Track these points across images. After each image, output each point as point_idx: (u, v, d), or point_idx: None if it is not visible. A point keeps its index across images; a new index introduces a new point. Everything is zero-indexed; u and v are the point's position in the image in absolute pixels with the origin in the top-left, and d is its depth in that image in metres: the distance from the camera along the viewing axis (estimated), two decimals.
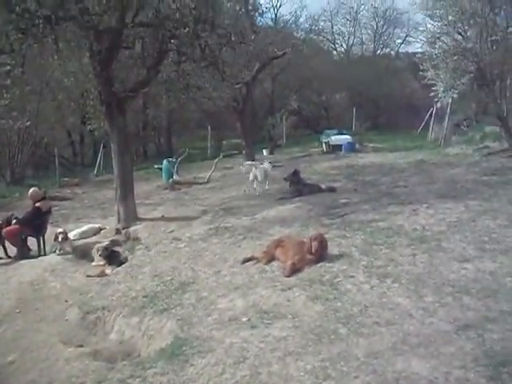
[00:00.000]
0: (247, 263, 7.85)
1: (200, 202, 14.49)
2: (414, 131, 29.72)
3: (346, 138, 24.10)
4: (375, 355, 4.59)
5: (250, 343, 5.23)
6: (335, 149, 23.84)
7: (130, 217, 12.65)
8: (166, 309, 6.71)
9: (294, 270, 6.99)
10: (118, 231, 12.24)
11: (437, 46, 23.81)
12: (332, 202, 11.37)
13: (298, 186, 12.94)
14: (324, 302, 5.85)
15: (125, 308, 7.16)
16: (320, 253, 7.21)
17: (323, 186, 13.27)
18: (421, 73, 26.21)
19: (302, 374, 4.50)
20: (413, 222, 8.74)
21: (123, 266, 9.43)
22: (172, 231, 11.28)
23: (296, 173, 13.17)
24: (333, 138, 24.44)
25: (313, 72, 38.34)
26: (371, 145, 25.60)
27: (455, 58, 21.73)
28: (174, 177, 19.91)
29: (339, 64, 46.80)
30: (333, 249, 7.74)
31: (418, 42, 48.14)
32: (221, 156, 21.70)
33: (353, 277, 6.49)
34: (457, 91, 24.54)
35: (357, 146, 24.08)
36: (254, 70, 22.98)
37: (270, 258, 7.70)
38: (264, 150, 27.96)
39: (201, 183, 19.25)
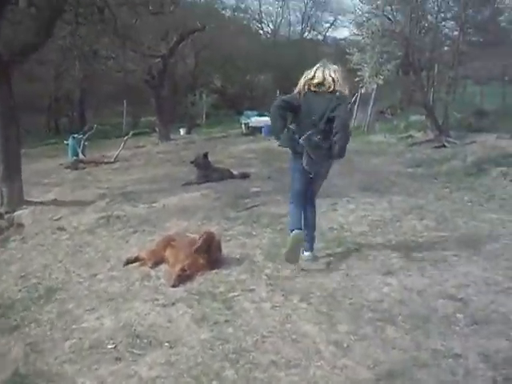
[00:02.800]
0: (130, 265, 6.46)
1: (101, 185, 12.98)
2: None
3: (266, 120, 22.85)
4: None
5: None
6: (255, 131, 22.62)
7: (15, 200, 10.96)
8: (17, 326, 5.24)
9: (182, 279, 5.68)
10: (0, 216, 10.54)
11: (364, 29, 23.17)
12: (242, 191, 10.15)
13: (207, 172, 11.60)
14: (212, 327, 4.56)
15: None
16: (213, 256, 5.96)
17: (235, 172, 12.02)
18: (347, 56, 25.61)
19: None
20: (330, 220, 7.61)
21: None
22: (59, 218, 9.73)
23: (204, 156, 11.79)
24: (253, 119, 23.22)
25: (238, 51, 37.02)
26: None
27: (383, 40, 21.03)
28: (80, 155, 18.17)
29: (265, 44, 45.65)
30: (234, 250, 6.52)
31: (345, 27, 47.98)
32: (130, 134, 19.99)
33: (253, 291, 5.24)
34: (382, 77, 23.97)
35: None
36: (171, 42, 21.45)
37: (158, 260, 6.34)
38: (181, 129, 26.53)
39: (107, 163, 17.61)
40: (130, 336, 4.61)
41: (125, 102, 31.49)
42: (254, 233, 7.20)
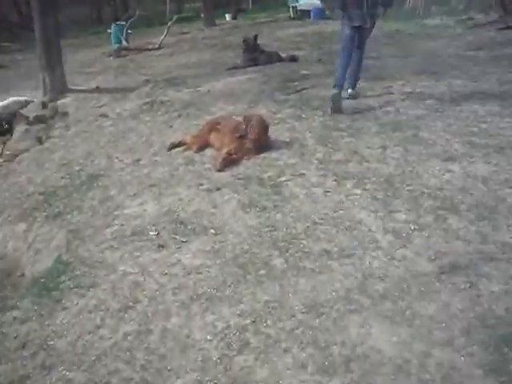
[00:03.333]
0: (174, 150, 6.20)
1: (144, 71, 12.62)
2: None
3: (315, 3, 21.70)
4: (319, 311, 3.11)
5: (149, 276, 3.72)
6: (304, 15, 21.50)
7: (58, 88, 10.79)
8: (60, 213, 5.11)
9: (229, 163, 5.40)
10: (44, 105, 10.36)
11: None
12: (291, 74, 9.62)
13: (254, 54, 11.03)
14: (259, 213, 4.30)
15: (14, 210, 5.55)
16: (259, 139, 5.61)
17: (284, 55, 11.42)
18: None
19: (208, 337, 3.02)
20: (384, 103, 7.11)
21: (33, 149, 7.72)
22: (103, 105, 9.54)
23: (252, 38, 11.17)
24: (301, 2, 21.98)
25: None
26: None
27: None
28: (123, 42, 17.68)
29: None
30: (283, 133, 6.18)
31: None
32: (174, 19, 19.26)
33: (303, 175, 4.93)
34: None
35: (327, 12, 21.77)
36: None
37: (203, 145, 6.07)
38: (226, 15, 25.48)
39: (151, 49, 17.11)
40: (174, 222, 4.40)
41: None
42: (304, 115, 6.80)
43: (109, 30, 19.14)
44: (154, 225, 4.43)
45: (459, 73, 8.87)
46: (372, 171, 4.83)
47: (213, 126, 6.12)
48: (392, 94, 7.58)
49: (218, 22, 22.97)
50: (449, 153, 5.13)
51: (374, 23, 7.00)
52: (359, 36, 6.91)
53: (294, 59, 11.18)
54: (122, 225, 4.53)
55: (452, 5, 19.17)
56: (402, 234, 3.75)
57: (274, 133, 6.10)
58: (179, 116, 7.64)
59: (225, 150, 5.51)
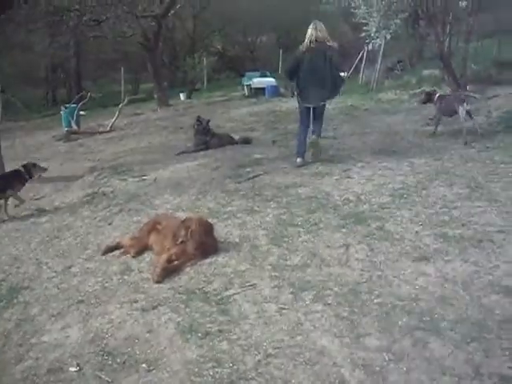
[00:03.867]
0: (110, 254, 5.45)
1: (92, 157, 12.03)
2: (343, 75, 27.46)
3: (269, 81, 21.61)
4: None
5: None
6: (258, 93, 21.34)
7: None
8: None
9: (169, 272, 4.65)
10: None
11: None
12: (243, 158, 9.08)
13: (205, 138, 10.49)
14: (201, 341, 3.54)
15: None
16: (202, 243, 4.92)
17: (236, 137, 10.92)
18: (352, 10, 24.18)
19: None
20: (344, 189, 6.55)
21: None
22: (42, 197, 8.81)
23: (202, 121, 10.67)
24: (255, 80, 21.88)
25: (238, 11, 35.37)
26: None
27: None
28: (72, 125, 17.09)
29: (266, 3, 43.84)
30: (233, 231, 5.51)
31: None
32: (125, 101, 18.80)
33: (254, 286, 4.21)
34: (390, 31, 22.62)
35: (281, 90, 21.64)
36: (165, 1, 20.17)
37: (141, 248, 5.33)
38: (181, 94, 25.32)
39: (102, 132, 16.57)
40: (100, 353, 3.63)
41: (122, 68, 30.12)
42: (257, 208, 6.16)
43: (61, 111, 18.62)
44: (76, 357, 3.64)
45: (420, 151, 8.46)
46: (334, 278, 4.14)
47: (153, 226, 5.42)
48: (351, 178, 7.02)
49: (172, 101, 22.70)
50: (420, 250, 4.51)
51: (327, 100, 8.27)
52: (314, 113, 8.14)
53: (246, 141, 10.69)
54: (38, 358, 3.71)
55: (404, 79, 19.23)
56: (375, 367, 3.03)
57: (222, 230, 5.45)
58: (120, 211, 6.93)
59: (164, 257, 4.78)
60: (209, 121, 10.70)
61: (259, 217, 5.83)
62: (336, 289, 3.97)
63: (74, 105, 18.23)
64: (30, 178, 8.15)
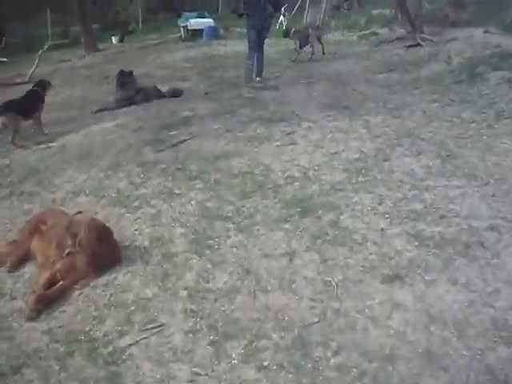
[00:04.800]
0: None
1: None
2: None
3: (207, 22, 19.85)
4: None
5: None
6: (195, 35, 19.60)
7: None
8: None
9: (48, 301, 3.34)
10: None
11: None
12: (169, 117, 7.65)
13: (129, 92, 8.99)
14: None
15: None
16: (95, 255, 3.59)
17: (166, 89, 9.46)
18: None
19: None
20: (288, 161, 5.28)
21: None
22: None
23: (125, 73, 9.15)
24: (192, 21, 20.07)
25: None
26: (238, 29, 21.47)
27: None
28: None
29: None
30: (143, 228, 4.22)
31: None
32: (45, 47, 16.83)
33: (159, 330, 2.94)
34: None
35: (221, 31, 20.01)
36: None
37: (22, 257, 3.97)
38: (113, 38, 23.36)
39: (19, 84, 14.64)
40: None
41: (48, 10, 27.68)
42: (177, 191, 4.84)
43: None
44: None
45: (375, 105, 7.21)
46: (273, 316, 2.91)
47: (35, 227, 4.04)
48: (296, 144, 5.74)
49: (103, 45, 20.85)
50: (390, 261, 3.32)
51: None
52: (260, 38, 9.34)
53: (176, 94, 9.26)
54: None
55: (352, 19, 17.83)
56: None
57: (130, 226, 4.17)
58: (10, 195, 5.49)
59: (43, 279, 3.45)
60: (131, 72, 9.17)
61: (179, 204, 4.52)
62: (275, 336, 2.74)
63: None
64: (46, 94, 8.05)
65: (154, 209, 4.49)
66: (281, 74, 10.29)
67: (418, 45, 11.29)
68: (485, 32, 10.76)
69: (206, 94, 9.06)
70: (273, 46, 14.21)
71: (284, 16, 20.14)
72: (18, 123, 7.41)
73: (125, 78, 9.07)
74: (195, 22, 19.87)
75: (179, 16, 22.57)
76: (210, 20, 20.16)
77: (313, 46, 12.06)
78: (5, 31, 29.47)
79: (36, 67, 15.30)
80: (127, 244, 3.95)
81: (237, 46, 15.07)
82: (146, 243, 3.94)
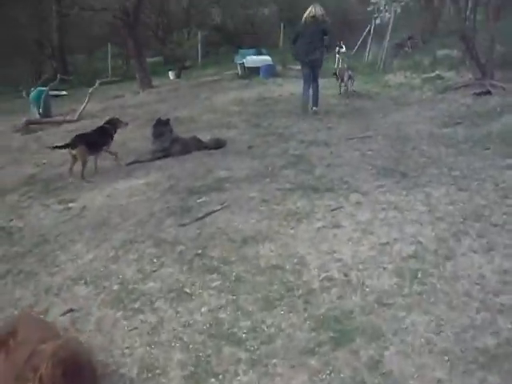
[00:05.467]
0: None
1: (40, 158, 9.80)
2: (348, 51, 24.98)
3: (264, 60, 19.22)
4: None
5: None
6: (252, 72, 18.98)
7: None
8: None
9: None
10: None
11: None
12: (203, 176, 6.89)
13: (164, 143, 8.29)
14: None
15: None
16: None
17: (208, 139, 8.75)
18: None
19: None
20: (327, 253, 4.34)
21: None
22: None
23: (161, 122, 8.48)
24: (249, 58, 19.48)
25: None
26: (297, 67, 20.74)
27: None
28: (34, 114, 14.95)
29: None
30: (135, 346, 3.35)
31: None
32: (97, 84, 16.46)
33: None
34: (401, 3, 20.23)
35: (278, 68, 19.34)
36: None
37: None
38: (170, 73, 23.07)
39: (69, 121, 14.29)
40: None
41: (109, 44, 27.81)
42: (188, 289, 3.96)
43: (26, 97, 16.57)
44: None
45: (438, 172, 6.23)
46: None
47: (5, 340, 3.19)
48: (340, 226, 4.81)
49: (160, 81, 20.57)
50: None
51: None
52: (313, 72, 10.57)
53: (218, 146, 8.51)
54: None
55: (416, 59, 16.81)
56: None
57: (120, 342, 3.34)
58: (7, 273, 4.76)
59: None
60: (168, 121, 8.49)
61: (187, 311, 3.66)
62: None
63: (42, 87, 16.01)
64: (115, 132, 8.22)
65: (157, 315, 3.64)
66: (334, 124, 9.40)
67: (488, 93, 10.25)
68: None
69: (250, 148, 8.24)
70: (330, 89, 13.42)
71: (339, 54, 19.36)
72: (86, 157, 7.68)
73: (161, 128, 8.38)
74: (252, 60, 19.30)
75: (237, 52, 22.10)
76: (268, 57, 19.53)
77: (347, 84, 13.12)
78: (67, 64, 29.81)
79: (86, 105, 14.94)
80: (111, 369, 3.10)
81: (292, 87, 14.37)
82: (134, 372, 3.08)
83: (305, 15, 10.32)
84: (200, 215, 5.39)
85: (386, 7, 20.11)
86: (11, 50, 28.03)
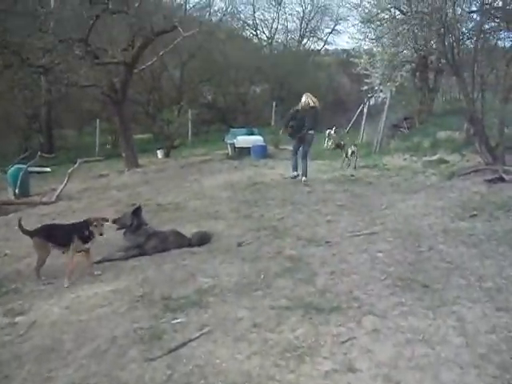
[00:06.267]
0: None
1: (4, 246, 8.64)
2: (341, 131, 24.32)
3: (255, 140, 18.46)
4: None
5: None
6: (242, 153, 18.19)
7: None
8: None
9: None
10: None
11: (373, 26, 18.95)
12: (183, 283, 5.74)
13: (139, 238, 7.18)
14: None
15: None
16: None
17: (192, 233, 7.67)
18: (352, 60, 21.37)
19: None
20: None
21: None
22: None
23: (134, 213, 7.36)
24: (240, 139, 18.71)
25: (228, 60, 32.68)
26: (289, 148, 19.94)
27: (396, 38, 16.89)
28: (8, 193, 13.97)
29: (260, 52, 41.20)
30: None
31: (347, 32, 44.88)
32: (77, 164, 15.50)
33: None
34: (396, 83, 19.66)
35: (270, 149, 18.55)
36: (135, 47, 17.20)
37: None
38: (158, 152, 22.29)
39: (46, 203, 13.23)
40: None
41: (98, 120, 27.20)
42: None
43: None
44: None
45: (466, 282, 5.16)
46: None
47: None
48: (355, 371, 3.65)
49: (148, 159, 19.87)
50: None
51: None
52: (303, 148, 12.35)
53: (203, 241, 7.43)
54: None
55: (414, 141, 16.03)
56: None
57: None
58: None
59: None
60: (139, 209, 7.39)
61: None
62: None
63: (20, 165, 15.03)
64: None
65: None
66: (333, 216, 8.35)
67: (502, 179, 9.29)
68: None
69: (239, 245, 7.12)
70: (326, 173, 12.56)
71: (328, 136, 19.08)
72: (44, 252, 6.58)
73: (135, 218, 7.28)
74: (243, 140, 18.52)
75: (227, 131, 21.41)
76: (259, 137, 18.77)
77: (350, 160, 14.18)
78: (55, 139, 29.07)
79: (64, 186, 13.96)
80: None
81: (285, 170, 13.42)
82: None
83: (301, 103, 12.12)
84: (174, 345, 4.20)
85: (381, 87, 19.54)
86: (3, 123, 27.42)
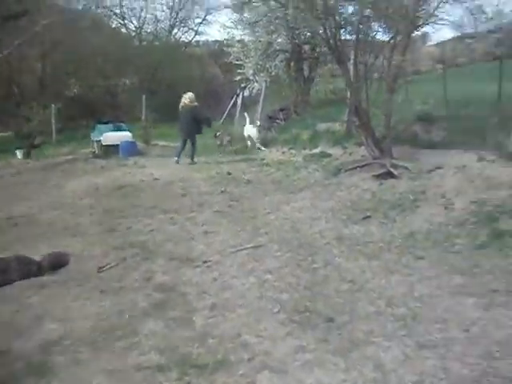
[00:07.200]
0: None
1: None
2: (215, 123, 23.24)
3: (123, 136, 16.96)
4: None
5: None
6: (110, 151, 16.66)
7: None
8: None
9: None
10: None
11: (246, 13, 18.04)
12: (26, 331, 4.39)
13: None
14: None
15: None
16: None
17: (42, 255, 6.25)
18: (225, 49, 20.40)
19: None
20: None
21: None
22: None
23: None
24: (106, 135, 17.15)
25: (95, 51, 30.69)
26: (161, 143, 18.66)
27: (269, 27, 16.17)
28: None
29: (129, 43, 39.29)
30: None
31: (219, 22, 44.12)
32: None
33: None
34: (271, 74, 18.98)
35: (140, 146, 17.17)
36: None
37: None
38: (18, 152, 19.94)
39: None
40: None
41: None
42: None
43: None
44: None
45: (374, 310, 4.28)
46: None
47: None
48: None
49: (6, 161, 17.94)
50: None
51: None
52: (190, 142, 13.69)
53: (57, 264, 6.07)
54: None
55: (293, 133, 15.25)
56: None
57: None
58: None
59: None
60: None
61: None
62: None
63: None
64: None
65: None
66: (211, 226, 7.26)
67: (391, 174, 8.62)
68: (479, 159, 8.18)
69: (100, 271, 5.83)
70: (201, 171, 11.49)
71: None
72: None
73: None
74: (110, 137, 16.96)
75: (93, 128, 19.69)
76: (128, 133, 17.29)
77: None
78: None
79: None
80: None
81: (156, 169, 12.19)
82: None
83: (181, 104, 13.72)
84: None
85: (256, 77, 18.75)
86: None
